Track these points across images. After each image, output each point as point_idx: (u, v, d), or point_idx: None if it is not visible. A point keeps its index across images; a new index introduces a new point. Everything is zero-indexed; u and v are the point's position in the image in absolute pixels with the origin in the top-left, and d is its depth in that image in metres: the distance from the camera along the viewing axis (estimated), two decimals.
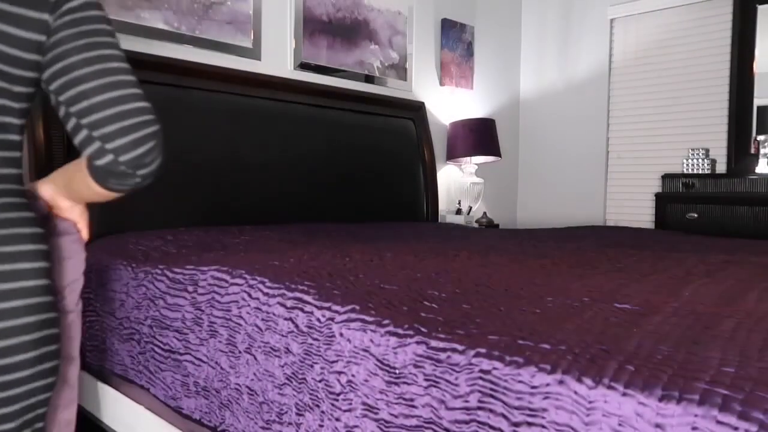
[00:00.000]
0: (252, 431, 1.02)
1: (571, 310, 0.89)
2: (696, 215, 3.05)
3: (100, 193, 0.92)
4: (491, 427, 0.69)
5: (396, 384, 0.80)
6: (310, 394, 0.92)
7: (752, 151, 3.16)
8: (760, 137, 3.09)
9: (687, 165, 3.25)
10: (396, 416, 0.79)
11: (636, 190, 3.63)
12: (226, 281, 1.17)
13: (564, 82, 3.91)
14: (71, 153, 1.89)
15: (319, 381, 0.91)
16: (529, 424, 0.66)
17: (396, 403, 0.79)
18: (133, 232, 1.84)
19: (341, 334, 0.90)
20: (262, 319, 1.05)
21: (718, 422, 0.53)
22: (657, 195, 3.24)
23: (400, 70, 3.16)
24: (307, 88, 2.60)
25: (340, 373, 0.88)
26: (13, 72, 0.83)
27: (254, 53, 2.51)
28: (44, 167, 1.80)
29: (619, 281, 1.13)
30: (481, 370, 0.71)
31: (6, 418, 0.83)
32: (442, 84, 3.44)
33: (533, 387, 0.66)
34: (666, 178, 3.29)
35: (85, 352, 1.53)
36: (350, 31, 2.90)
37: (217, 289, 1.18)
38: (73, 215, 1.03)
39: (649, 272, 1.28)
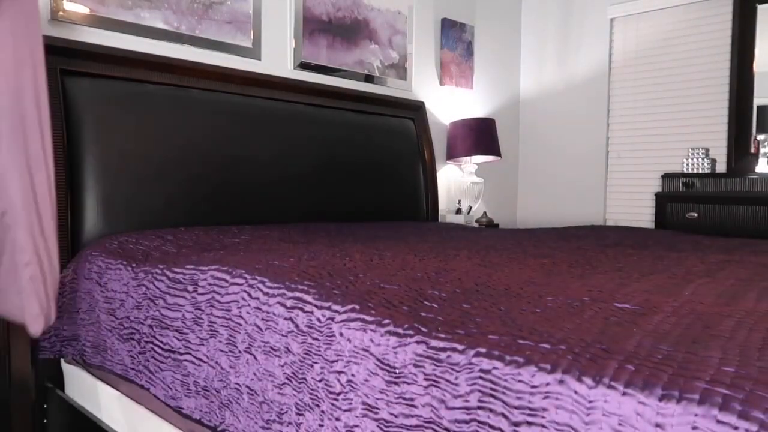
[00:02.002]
0: (252, 431, 1.02)
1: (571, 309, 0.89)
2: (696, 215, 3.05)
3: None
4: (491, 426, 0.69)
5: (396, 384, 0.80)
6: (310, 393, 0.92)
7: (752, 150, 3.16)
8: (760, 137, 3.09)
9: (687, 164, 3.25)
10: (396, 416, 0.79)
11: (636, 190, 3.63)
12: (226, 281, 1.17)
13: (564, 82, 3.91)
14: (71, 153, 1.89)
15: (319, 381, 0.91)
16: (529, 423, 0.66)
17: (396, 403, 0.79)
18: (133, 232, 1.84)
19: (341, 334, 0.90)
20: (262, 319, 1.05)
21: (718, 422, 0.53)
22: (657, 194, 3.24)
23: (400, 69, 3.16)
24: (307, 88, 2.60)
25: (340, 372, 0.88)
26: None
27: (254, 53, 2.51)
28: None
29: (619, 281, 1.13)
30: (481, 370, 0.71)
31: None
32: (442, 84, 3.44)
33: (533, 386, 0.66)
34: (666, 177, 3.29)
35: (86, 352, 1.53)
36: (350, 30, 2.90)
37: (217, 288, 1.18)
38: None
39: (649, 272, 1.28)
